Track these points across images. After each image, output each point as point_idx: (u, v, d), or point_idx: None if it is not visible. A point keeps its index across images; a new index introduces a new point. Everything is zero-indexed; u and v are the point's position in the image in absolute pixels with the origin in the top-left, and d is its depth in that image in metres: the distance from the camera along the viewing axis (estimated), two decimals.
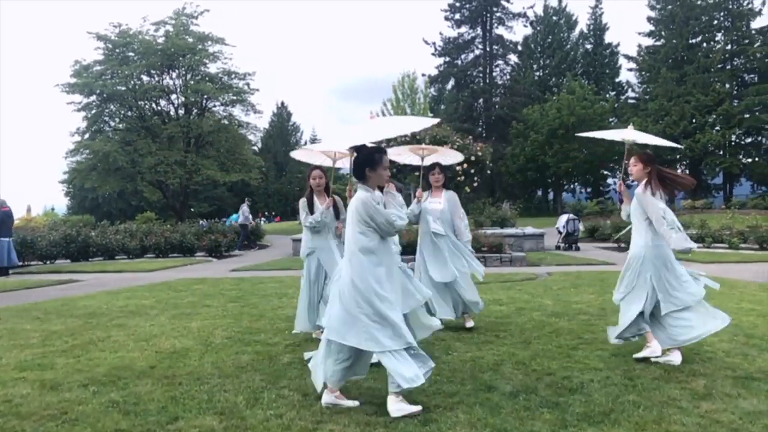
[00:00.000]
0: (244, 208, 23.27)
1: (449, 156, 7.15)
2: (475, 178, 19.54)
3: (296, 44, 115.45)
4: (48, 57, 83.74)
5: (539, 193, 61.67)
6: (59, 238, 17.35)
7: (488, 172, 19.86)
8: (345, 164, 6.45)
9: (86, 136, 34.66)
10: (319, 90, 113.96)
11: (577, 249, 18.51)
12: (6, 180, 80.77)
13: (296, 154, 6.72)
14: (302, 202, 6.24)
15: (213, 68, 35.69)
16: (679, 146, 5.59)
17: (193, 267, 15.74)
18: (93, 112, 34.17)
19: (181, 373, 4.97)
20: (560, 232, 19.17)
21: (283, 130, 77.64)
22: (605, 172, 54.46)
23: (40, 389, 4.57)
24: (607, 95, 52.21)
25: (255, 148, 68.72)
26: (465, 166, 18.73)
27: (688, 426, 3.67)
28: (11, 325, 7.36)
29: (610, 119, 48.53)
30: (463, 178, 19.02)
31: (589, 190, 58.12)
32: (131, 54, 34.28)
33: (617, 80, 59.04)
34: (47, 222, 30.17)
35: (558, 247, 18.89)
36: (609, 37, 60.60)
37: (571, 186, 58.49)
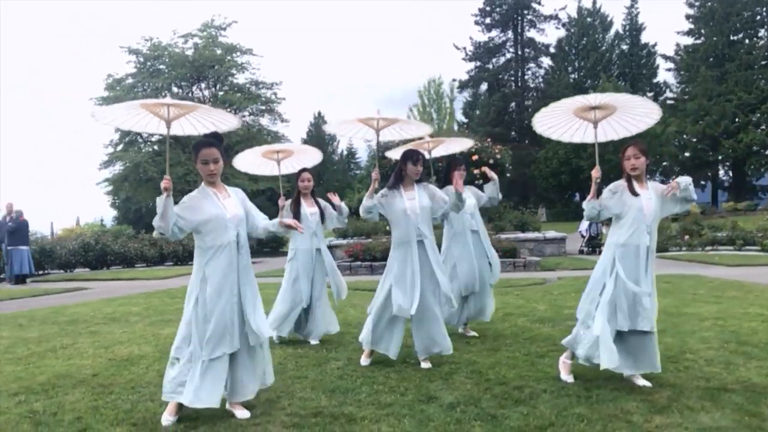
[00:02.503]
0: None
1: (457, 143, 6.72)
2: None
3: (335, 54, 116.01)
4: (82, 71, 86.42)
5: (577, 197, 60.33)
6: (78, 246, 17.57)
7: (507, 175, 19.36)
8: (389, 135, 6.08)
9: (119, 147, 35.29)
10: (363, 99, 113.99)
11: (600, 253, 17.84)
12: (60, 192, 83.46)
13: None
14: (287, 204, 6.10)
15: (241, 78, 35.99)
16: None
17: None
18: None
19: (120, 381, 4.78)
20: (583, 236, 18.55)
21: (320, 140, 77.92)
22: None
23: None
24: (644, 96, 50.75)
25: None
26: (482, 169, 18.36)
27: None
28: None
29: None
30: (481, 181, 18.59)
31: None
32: (162, 66, 34.84)
33: (655, 81, 57.38)
34: (86, 232, 30.76)
35: (581, 251, 18.27)
36: (646, 37, 58.75)
37: None
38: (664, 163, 47.65)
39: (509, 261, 14.13)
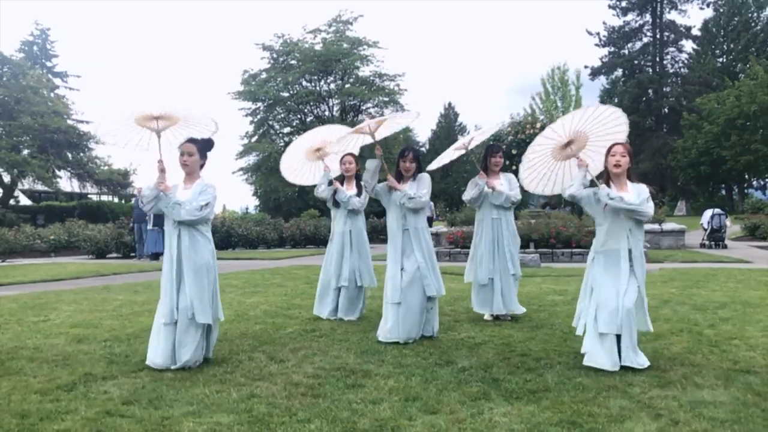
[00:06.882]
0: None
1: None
2: None
3: (464, 43, 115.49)
4: (220, 68, 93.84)
5: (723, 190, 55.88)
6: None
7: None
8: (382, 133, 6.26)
9: (254, 139, 37.67)
10: (495, 89, 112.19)
11: (724, 247, 16.75)
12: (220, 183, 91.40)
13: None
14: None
15: (366, 71, 37.03)
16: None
17: (317, 257, 16.58)
18: (258, 117, 37.11)
19: None
20: (705, 229, 17.47)
21: (450, 131, 78.13)
22: None
23: (68, 341, 5.33)
24: None
25: (423, 149, 70.12)
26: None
27: (611, 409, 3.41)
28: (109, 295, 8.46)
29: None
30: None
31: None
32: (293, 62, 36.70)
33: None
34: (222, 217, 33.28)
35: (703, 245, 17.21)
36: None
37: (762, 182, 52.30)
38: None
39: None
